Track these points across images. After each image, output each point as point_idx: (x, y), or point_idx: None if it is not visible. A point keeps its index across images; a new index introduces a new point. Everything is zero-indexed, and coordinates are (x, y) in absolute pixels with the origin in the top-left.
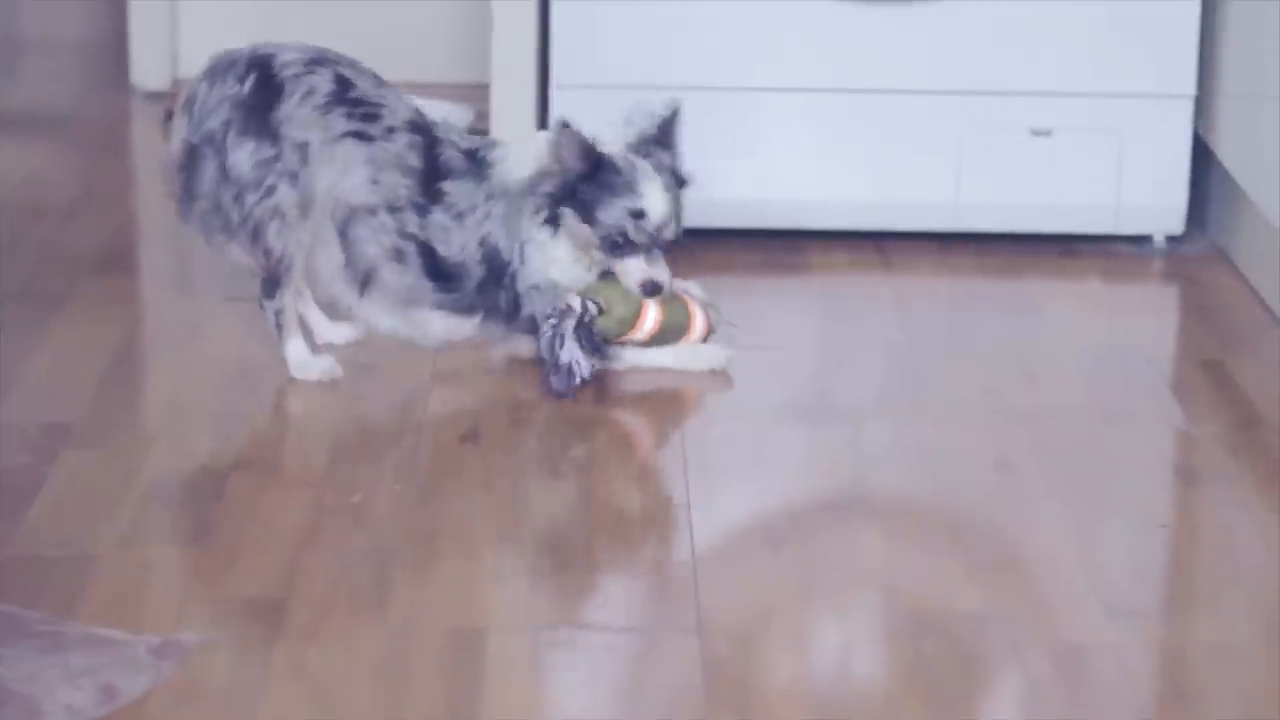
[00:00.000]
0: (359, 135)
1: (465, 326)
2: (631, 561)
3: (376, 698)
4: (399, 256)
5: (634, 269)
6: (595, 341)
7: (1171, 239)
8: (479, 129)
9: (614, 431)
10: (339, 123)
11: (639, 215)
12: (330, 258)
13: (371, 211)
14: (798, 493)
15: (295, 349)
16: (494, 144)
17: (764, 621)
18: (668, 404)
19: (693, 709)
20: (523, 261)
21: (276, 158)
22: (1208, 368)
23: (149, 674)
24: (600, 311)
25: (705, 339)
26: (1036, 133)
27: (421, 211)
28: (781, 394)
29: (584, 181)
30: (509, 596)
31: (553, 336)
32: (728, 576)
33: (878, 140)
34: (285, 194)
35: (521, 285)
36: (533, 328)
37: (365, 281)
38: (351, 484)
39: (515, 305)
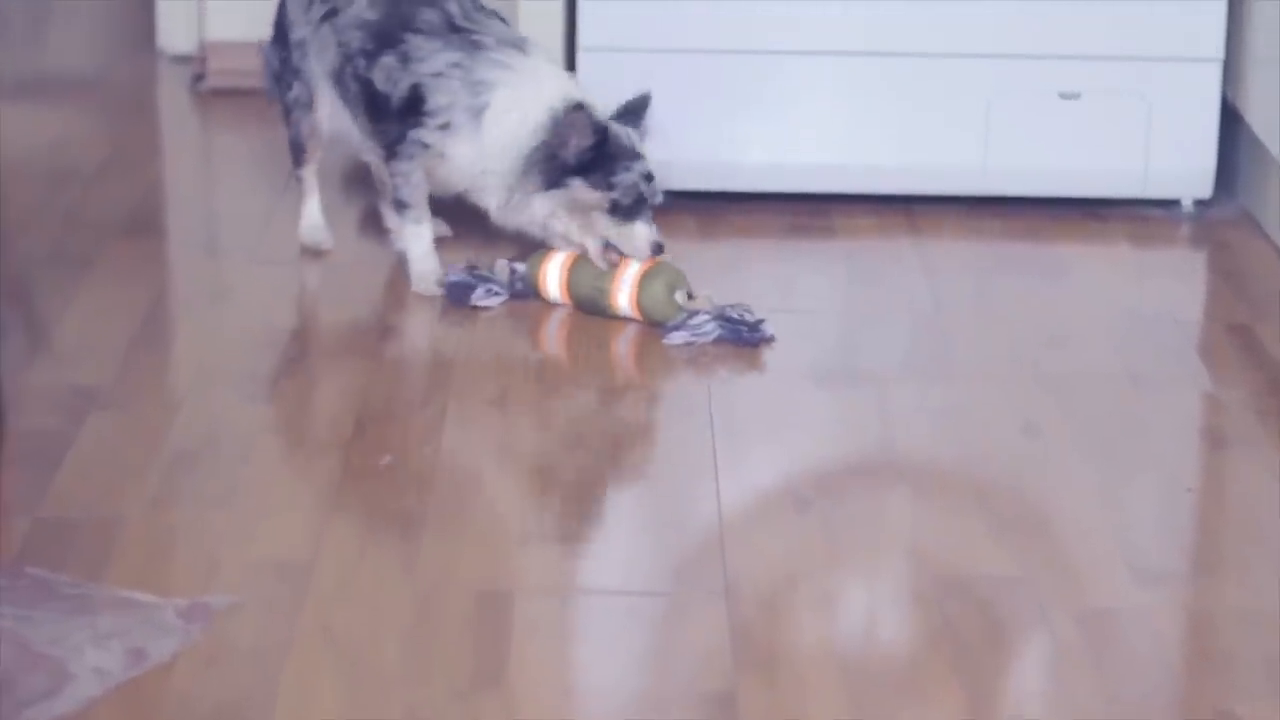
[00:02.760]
0: (330, 14)
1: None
2: (659, 525)
3: (403, 660)
4: (355, 101)
5: (641, 232)
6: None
7: (1199, 203)
8: None
9: (641, 395)
10: (317, 12)
11: (650, 178)
12: (346, 122)
13: (341, 70)
14: (825, 456)
15: (307, 210)
16: (503, 42)
17: (791, 585)
18: (695, 368)
19: (720, 673)
20: (437, 125)
21: (288, 57)
22: (1235, 332)
23: (177, 636)
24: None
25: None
26: (1064, 96)
27: (369, 56)
28: (808, 357)
29: (591, 152)
30: (536, 560)
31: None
32: (755, 540)
33: (905, 104)
34: (298, 88)
35: (414, 135)
36: (393, 175)
37: (366, 132)
38: (379, 447)
39: (397, 143)
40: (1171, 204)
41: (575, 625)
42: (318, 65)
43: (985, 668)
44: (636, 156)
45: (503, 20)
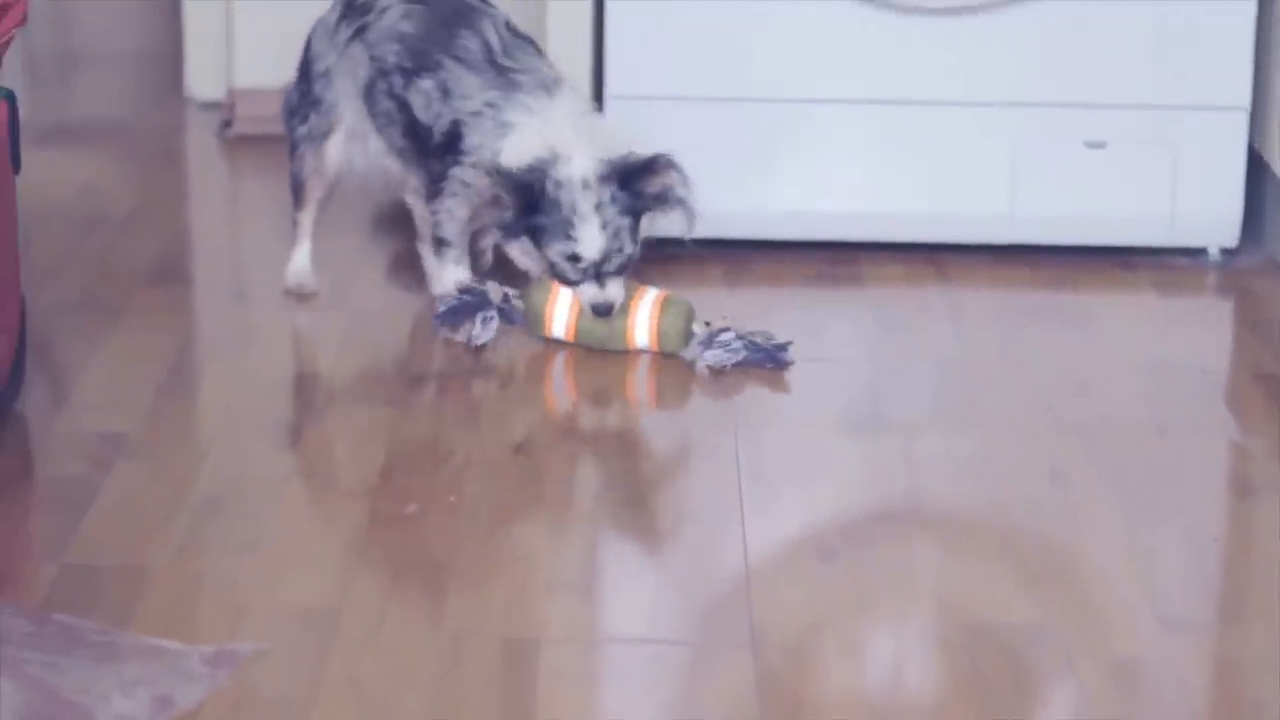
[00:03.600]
0: (359, 31)
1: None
2: (685, 573)
3: (429, 708)
4: (391, 119)
5: (585, 293)
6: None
7: (1226, 251)
8: None
9: (667, 442)
10: (344, 35)
11: (574, 259)
12: (374, 140)
13: (373, 84)
14: (852, 504)
15: (297, 255)
16: (535, 83)
17: (818, 634)
18: (722, 414)
19: None
20: (471, 164)
21: (309, 90)
22: (1262, 380)
23: (203, 684)
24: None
25: (655, 342)
26: (1091, 145)
27: (407, 75)
28: (836, 405)
29: (530, 214)
30: (562, 608)
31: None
32: (781, 588)
33: (932, 152)
34: (313, 120)
35: (455, 172)
36: (435, 213)
37: (396, 152)
38: (405, 495)
39: (440, 180)
40: (1198, 252)
41: (601, 674)
42: (346, 86)
43: (1012, 716)
44: (564, 237)
45: (538, 51)
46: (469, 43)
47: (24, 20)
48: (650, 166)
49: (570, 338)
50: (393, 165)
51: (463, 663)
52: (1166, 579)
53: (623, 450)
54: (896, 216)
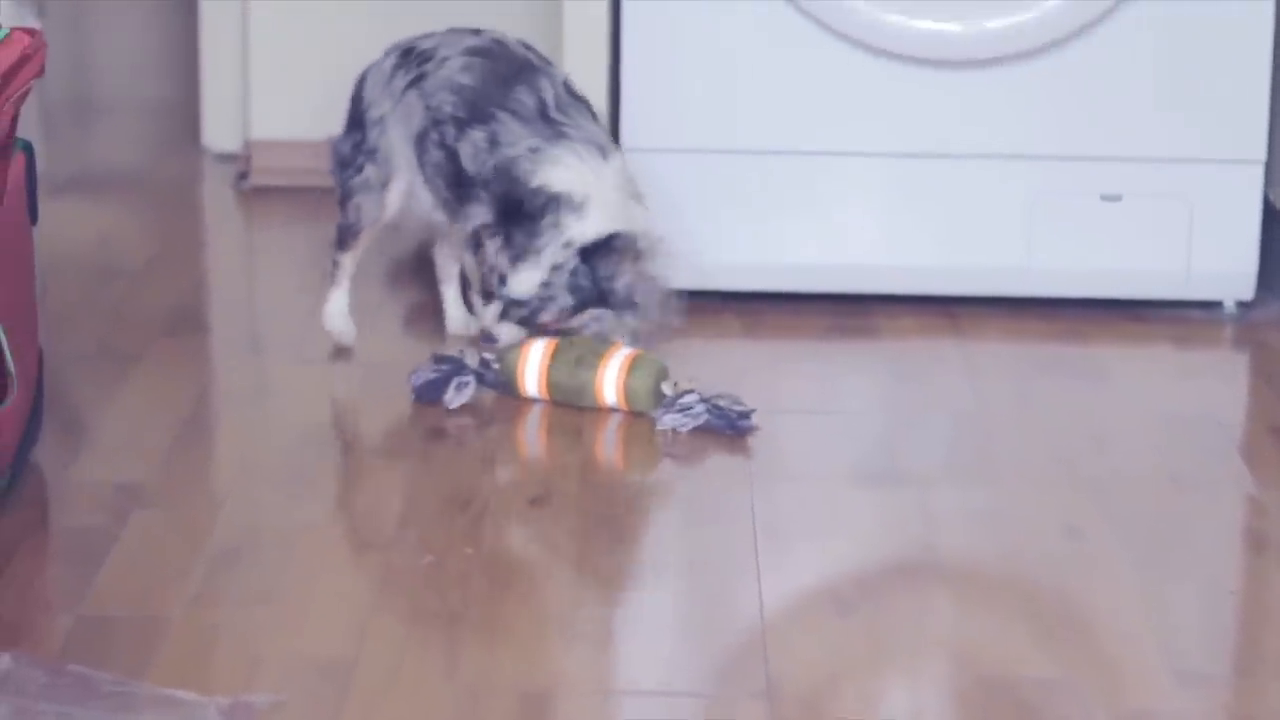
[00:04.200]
0: (417, 80)
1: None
2: (700, 626)
3: None
4: (439, 169)
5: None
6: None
7: (1242, 304)
8: None
9: (683, 494)
10: (400, 83)
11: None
12: (424, 196)
13: (425, 133)
14: (867, 557)
15: (335, 299)
16: (583, 139)
17: (834, 686)
18: (737, 467)
19: None
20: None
21: (364, 139)
22: (1278, 433)
23: None
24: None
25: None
26: (1106, 197)
27: (460, 126)
28: (850, 458)
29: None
30: (578, 660)
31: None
32: (797, 641)
33: (947, 204)
34: (369, 171)
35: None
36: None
37: (441, 202)
38: (421, 546)
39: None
40: (1214, 305)
41: None
42: (400, 134)
43: None
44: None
45: (593, 115)
46: (524, 97)
47: (41, 71)
48: (610, 245)
49: (544, 394)
50: (439, 218)
51: (479, 715)
52: (1181, 633)
53: (639, 503)
54: (911, 269)
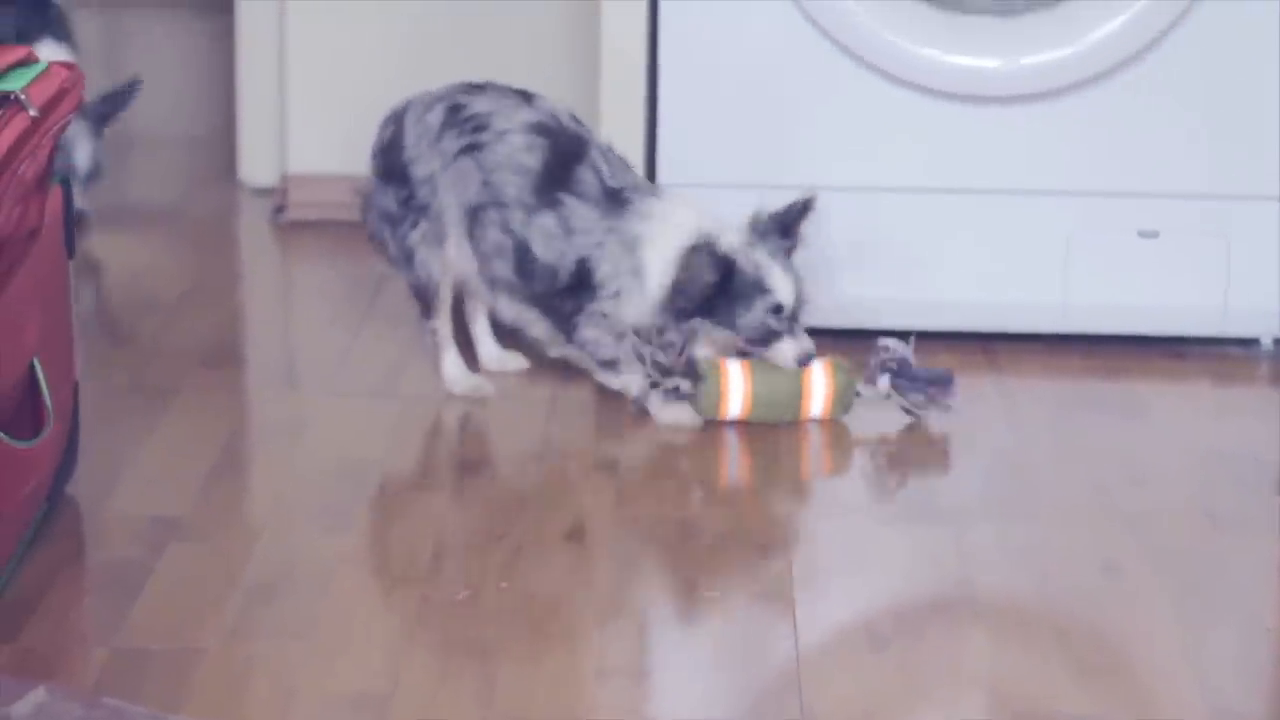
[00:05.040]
0: (471, 148)
1: (530, 318)
2: (735, 660)
3: None
4: (500, 251)
5: (786, 350)
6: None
7: (1279, 342)
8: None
9: (718, 529)
10: (452, 145)
11: (777, 310)
12: (469, 262)
13: (483, 209)
14: (902, 594)
15: (449, 363)
16: (642, 193)
17: None
18: (774, 501)
19: None
20: (609, 295)
21: (411, 195)
22: None
23: None
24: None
25: (829, 407)
26: (1144, 234)
27: (529, 211)
28: (887, 493)
29: (717, 291)
30: (612, 694)
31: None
32: (832, 677)
33: (984, 241)
34: (423, 226)
35: (593, 307)
36: (582, 347)
37: (491, 279)
38: (456, 580)
39: (574, 316)
40: (1251, 342)
41: None
42: (452, 199)
43: None
44: (761, 291)
45: (628, 165)
46: (585, 175)
47: (79, 105)
48: (806, 209)
49: (745, 415)
50: (479, 286)
51: None
52: (1219, 670)
53: (674, 536)
54: (949, 305)
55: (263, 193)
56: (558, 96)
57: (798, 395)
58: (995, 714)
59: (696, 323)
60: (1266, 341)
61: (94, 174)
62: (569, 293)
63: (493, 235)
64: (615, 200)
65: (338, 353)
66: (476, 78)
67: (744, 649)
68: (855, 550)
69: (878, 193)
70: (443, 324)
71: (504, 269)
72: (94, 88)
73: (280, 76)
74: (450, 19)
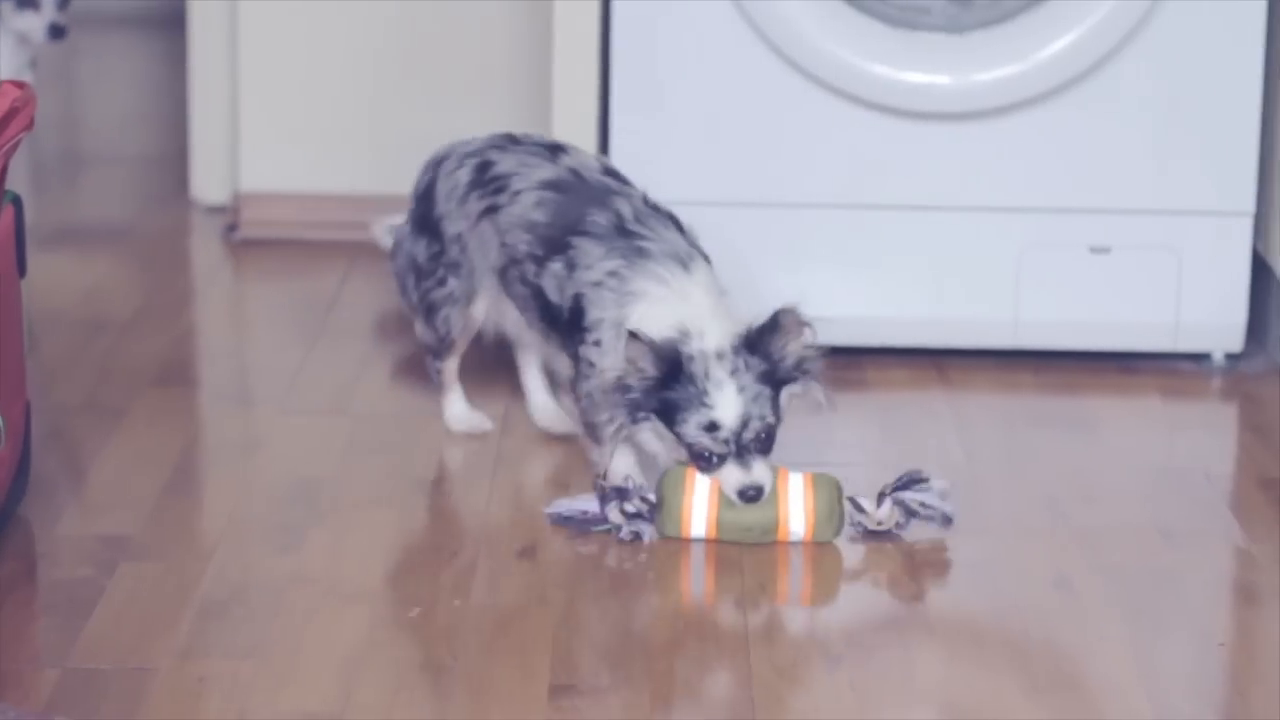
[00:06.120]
0: (491, 210)
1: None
2: (688, 677)
3: None
4: (525, 303)
5: (729, 477)
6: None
7: (1231, 357)
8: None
9: (672, 546)
10: (475, 206)
11: (712, 428)
12: (508, 316)
13: (506, 269)
14: (855, 609)
15: (452, 401)
16: (668, 253)
17: None
18: None
19: None
20: (592, 341)
21: (442, 251)
22: (1267, 486)
23: None
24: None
25: (812, 530)
26: (1095, 250)
27: (539, 262)
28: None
29: (665, 389)
30: (565, 712)
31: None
32: (785, 696)
33: (936, 257)
34: (453, 284)
35: (581, 352)
36: (578, 401)
37: (531, 329)
38: (409, 599)
39: (574, 357)
40: (1202, 358)
41: None
42: (480, 260)
43: None
44: (699, 405)
45: (678, 226)
46: (599, 217)
47: (30, 125)
48: (777, 323)
49: (712, 535)
50: (528, 333)
51: None
52: (1171, 685)
53: (626, 552)
54: (901, 321)
55: (215, 211)
56: (510, 116)
57: (771, 519)
58: None
59: (645, 417)
60: (1218, 357)
61: None
62: (567, 331)
63: (517, 290)
64: (629, 244)
65: (290, 371)
66: (429, 99)
67: (697, 665)
68: (807, 567)
69: (829, 209)
70: (450, 365)
71: (536, 319)
72: (46, 107)
73: (233, 94)
74: (404, 40)
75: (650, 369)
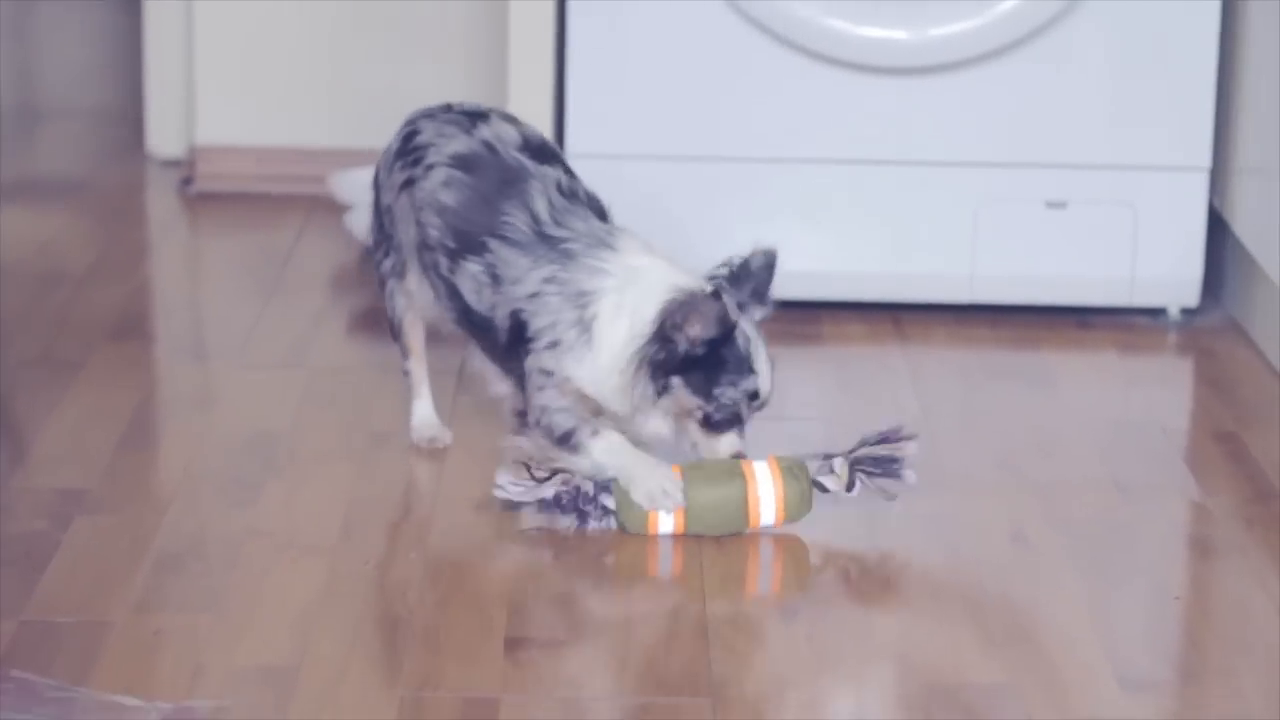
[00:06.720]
0: (408, 183)
1: (501, 384)
2: (645, 631)
3: None
4: (440, 296)
5: (727, 445)
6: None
7: (1186, 311)
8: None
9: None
10: (398, 177)
11: (754, 396)
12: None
13: (421, 251)
14: (811, 562)
15: (418, 410)
16: (591, 243)
17: (778, 693)
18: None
19: None
20: (545, 346)
21: (380, 225)
22: (1222, 440)
23: None
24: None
25: (782, 513)
26: (1051, 205)
27: (451, 257)
28: None
29: (704, 353)
30: (522, 665)
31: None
32: (741, 648)
33: (893, 212)
34: (393, 257)
35: (530, 363)
36: (537, 422)
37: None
38: (365, 552)
39: (520, 371)
40: (1158, 312)
41: None
42: (404, 234)
43: None
44: (748, 371)
45: (596, 203)
46: (515, 218)
47: None
48: (769, 268)
49: (680, 529)
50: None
51: None
52: (1127, 639)
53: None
54: (858, 275)
55: (171, 164)
56: (466, 70)
57: (740, 509)
58: (905, 684)
59: (674, 382)
60: (1173, 311)
61: None
62: (508, 347)
63: (434, 279)
64: (553, 249)
65: (246, 325)
66: (386, 52)
67: (654, 620)
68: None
69: (785, 164)
70: (415, 365)
71: (455, 318)
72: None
73: (188, 47)
74: None
75: (713, 331)
